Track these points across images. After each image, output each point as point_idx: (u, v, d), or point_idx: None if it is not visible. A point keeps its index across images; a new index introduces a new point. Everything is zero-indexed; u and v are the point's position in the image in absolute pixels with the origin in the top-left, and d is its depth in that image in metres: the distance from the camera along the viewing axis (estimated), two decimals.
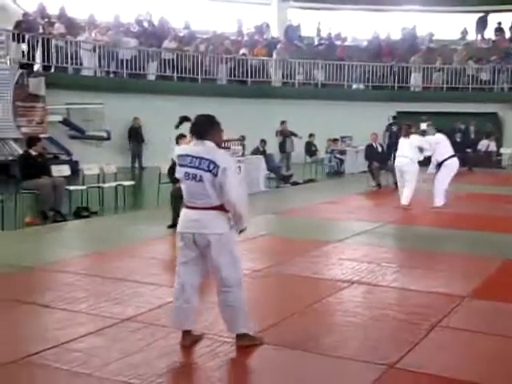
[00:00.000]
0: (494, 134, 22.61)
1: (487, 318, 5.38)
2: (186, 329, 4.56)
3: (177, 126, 4.67)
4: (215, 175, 4.25)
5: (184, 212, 4.49)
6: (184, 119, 4.60)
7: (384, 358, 4.36)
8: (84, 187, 11.33)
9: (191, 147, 4.47)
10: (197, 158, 4.31)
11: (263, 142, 16.78)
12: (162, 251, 8.07)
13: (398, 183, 12.28)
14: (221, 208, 4.34)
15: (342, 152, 19.72)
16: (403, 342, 4.71)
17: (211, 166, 4.26)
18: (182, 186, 4.47)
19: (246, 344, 4.50)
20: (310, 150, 20.07)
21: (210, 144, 4.38)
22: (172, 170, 10.06)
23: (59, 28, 19.64)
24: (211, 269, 4.45)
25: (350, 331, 5.00)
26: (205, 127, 4.43)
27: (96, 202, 11.27)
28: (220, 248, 4.33)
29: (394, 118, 22.02)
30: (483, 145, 22.36)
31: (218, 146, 4.47)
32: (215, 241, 4.31)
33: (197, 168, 4.30)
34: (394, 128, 20.53)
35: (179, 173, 4.44)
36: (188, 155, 4.37)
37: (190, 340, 4.56)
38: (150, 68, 21.03)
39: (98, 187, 11.56)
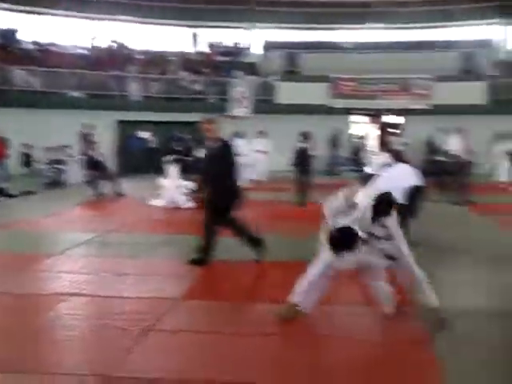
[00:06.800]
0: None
1: (200, 317, 5.86)
2: None
3: None
4: None
5: None
6: None
7: (104, 368, 4.56)
8: None
9: None
10: None
11: None
12: None
13: None
14: None
15: (62, 162, 19.30)
16: (121, 350, 4.91)
17: None
18: None
19: None
20: (27, 160, 19.42)
21: None
22: None
23: None
24: None
25: (71, 345, 5.06)
26: None
27: None
28: None
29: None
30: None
31: None
32: None
33: None
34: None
35: None
36: None
37: None
38: None
39: None
